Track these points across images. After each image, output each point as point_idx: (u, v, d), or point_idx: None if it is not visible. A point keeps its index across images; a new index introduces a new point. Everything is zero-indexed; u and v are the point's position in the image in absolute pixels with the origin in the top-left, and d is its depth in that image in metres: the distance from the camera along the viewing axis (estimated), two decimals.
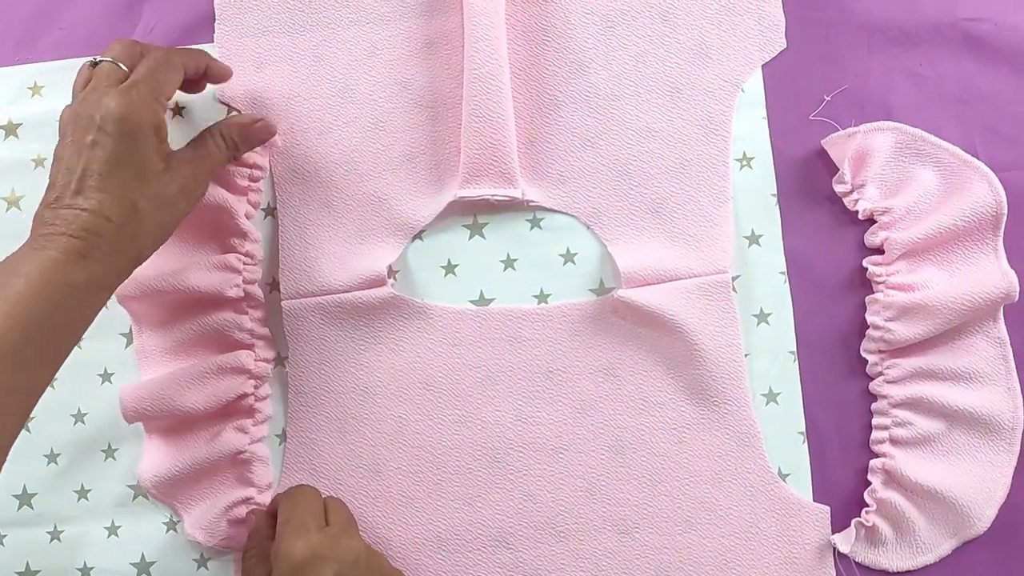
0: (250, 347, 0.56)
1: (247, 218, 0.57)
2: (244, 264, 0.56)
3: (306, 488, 0.53)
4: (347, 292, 0.56)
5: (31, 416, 0.55)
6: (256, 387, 0.56)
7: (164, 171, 0.49)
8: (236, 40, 0.59)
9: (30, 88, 0.60)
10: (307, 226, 0.57)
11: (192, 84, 0.55)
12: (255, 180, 0.57)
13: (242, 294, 0.56)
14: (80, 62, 0.59)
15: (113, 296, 0.55)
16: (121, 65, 0.50)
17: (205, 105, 0.59)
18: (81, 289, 0.45)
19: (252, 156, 0.57)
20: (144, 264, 0.56)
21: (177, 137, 0.58)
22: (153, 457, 0.56)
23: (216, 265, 0.55)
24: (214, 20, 0.59)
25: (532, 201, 0.57)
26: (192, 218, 0.56)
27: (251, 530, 0.53)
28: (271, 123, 0.56)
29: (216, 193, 0.56)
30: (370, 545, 0.51)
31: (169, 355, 0.57)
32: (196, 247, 0.57)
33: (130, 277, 0.54)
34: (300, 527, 0.49)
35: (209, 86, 0.58)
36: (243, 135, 0.54)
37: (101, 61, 0.50)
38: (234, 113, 0.55)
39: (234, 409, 0.56)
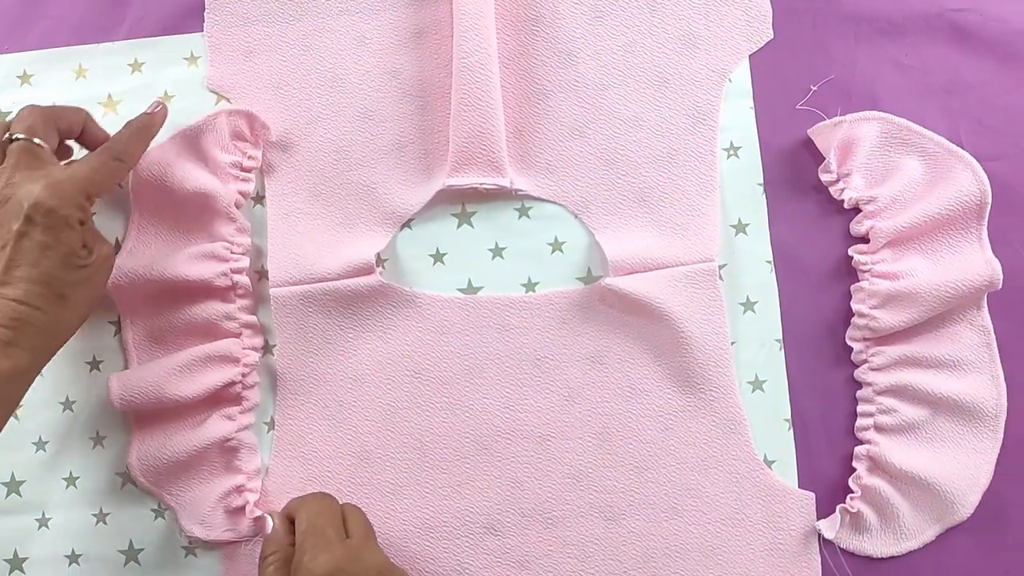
0: (238, 335, 0.56)
1: (236, 207, 0.57)
2: (232, 253, 0.56)
3: (324, 496, 0.52)
4: (335, 280, 0.56)
5: (20, 404, 0.56)
6: (244, 375, 0.56)
7: (87, 255, 0.50)
8: (225, 29, 0.59)
9: (19, 76, 0.60)
10: (295, 215, 0.58)
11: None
12: (246, 170, 0.57)
13: (230, 283, 0.56)
14: (69, 51, 0.60)
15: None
16: (42, 144, 0.50)
17: (194, 92, 0.59)
18: (4, 377, 0.46)
19: (245, 146, 0.57)
20: (133, 253, 0.56)
21: (167, 127, 0.58)
22: (141, 446, 0.56)
23: (204, 254, 0.56)
24: (204, 8, 0.59)
25: (520, 190, 0.57)
26: (182, 207, 0.56)
27: (268, 536, 0.52)
28: (164, 107, 0.55)
29: (205, 182, 0.56)
30: (388, 558, 0.51)
31: (157, 344, 0.57)
32: (185, 236, 0.57)
33: (119, 266, 0.55)
34: (322, 539, 0.49)
35: (197, 73, 0.59)
36: (130, 147, 0.53)
37: (18, 137, 0.50)
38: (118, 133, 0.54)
39: (222, 397, 0.56)
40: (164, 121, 0.55)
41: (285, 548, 0.50)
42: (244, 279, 0.56)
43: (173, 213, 0.57)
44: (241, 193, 0.57)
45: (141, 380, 0.54)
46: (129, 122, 0.54)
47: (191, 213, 0.57)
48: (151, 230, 0.57)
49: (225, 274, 0.56)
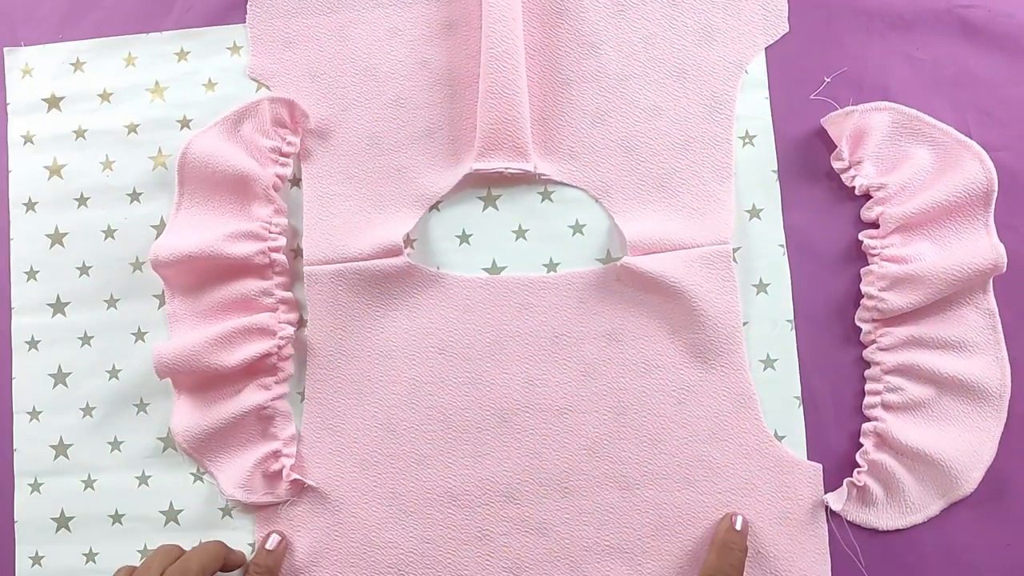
0: (274, 310, 0.59)
1: (275, 190, 0.60)
2: (270, 233, 0.59)
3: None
4: (366, 260, 0.59)
5: (67, 372, 0.59)
6: (279, 347, 0.58)
7: None
8: (267, 20, 0.62)
9: (72, 64, 0.63)
10: (329, 197, 0.61)
11: None
12: (285, 155, 0.60)
13: (267, 261, 0.59)
14: (119, 40, 0.63)
15: (147, 260, 0.58)
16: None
17: (236, 80, 0.62)
18: None
19: (284, 132, 0.60)
20: (176, 233, 0.59)
21: (207, 112, 0.62)
22: (183, 414, 0.59)
23: (243, 233, 0.59)
24: (246, 1, 0.63)
25: (544, 174, 0.60)
26: (223, 188, 0.60)
27: (266, 550, 0.56)
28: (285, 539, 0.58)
29: (246, 165, 0.59)
30: None
31: (198, 318, 0.60)
32: (226, 216, 0.60)
33: (163, 244, 0.58)
34: None
35: (239, 62, 0.62)
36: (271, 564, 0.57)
37: None
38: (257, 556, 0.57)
39: (258, 368, 0.59)
40: (284, 556, 0.58)
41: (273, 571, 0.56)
42: (281, 257, 0.59)
43: (215, 194, 0.60)
44: (279, 176, 0.60)
45: (182, 349, 0.57)
46: (254, 564, 0.56)
47: (232, 194, 0.60)
48: (194, 210, 0.61)
49: (263, 252, 0.58)
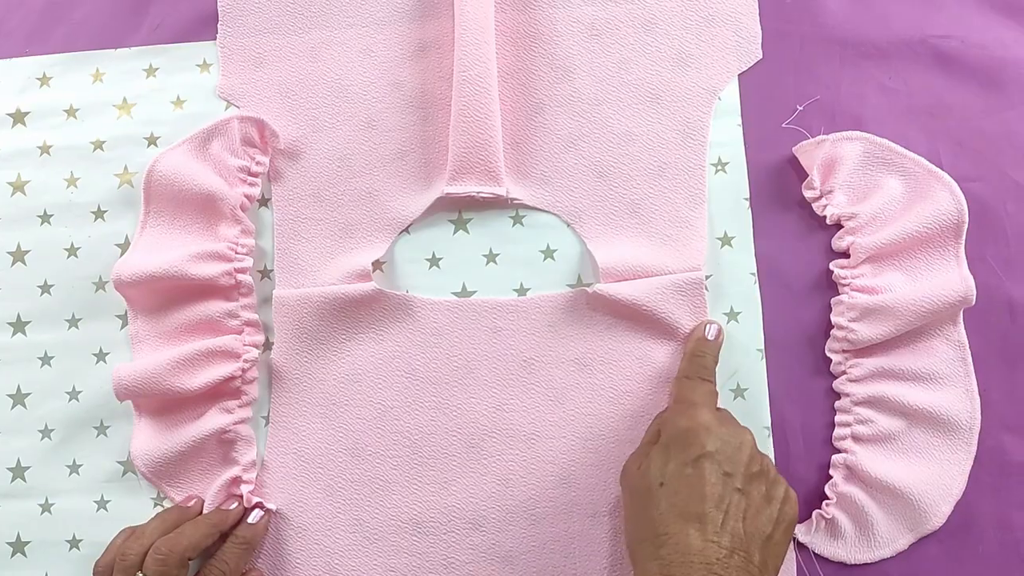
0: (239, 332, 0.58)
1: (242, 210, 0.59)
2: (236, 253, 0.58)
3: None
4: (334, 285, 0.58)
5: (26, 392, 0.58)
6: (244, 370, 0.57)
7: None
8: (238, 39, 0.62)
9: (39, 79, 0.63)
10: (299, 219, 0.60)
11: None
12: (254, 175, 0.59)
13: (233, 282, 0.58)
14: (87, 55, 0.63)
15: (110, 280, 0.57)
16: None
17: (205, 98, 0.61)
18: None
19: (253, 152, 0.60)
20: (141, 252, 0.58)
21: (174, 129, 0.61)
22: (143, 438, 0.58)
23: (209, 254, 0.58)
24: (216, 18, 0.62)
25: (516, 199, 0.59)
26: (190, 207, 0.59)
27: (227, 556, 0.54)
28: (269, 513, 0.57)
29: (213, 184, 0.58)
30: None
31: (162, 339, 0.59)
32: (192, 236, 0.59)
33: (127, 263, 0.57)
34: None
35: (209, 80, 0.61)
36: (236, 554, 0.55)
37: None
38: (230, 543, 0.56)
39: (222, 391, 0.58)
40: (267, 530, 0.57)
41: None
42: (247, 278, 0.58)
43: (181, 213, 0.59)
44: (247, 196, 0.59)
45: (143, 371, 0.56)
46: (234, 535, 0.55)
47: (199, 213, 0.59)
48: (160, 229, 0.60)
49: (229, 273, 0.58)
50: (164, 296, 0.58)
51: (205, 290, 0.58)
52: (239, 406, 0.58)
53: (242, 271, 0.58)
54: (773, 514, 0.48)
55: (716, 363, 0.55)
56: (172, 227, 0.60)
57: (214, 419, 0.57)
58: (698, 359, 0.54)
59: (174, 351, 0.57)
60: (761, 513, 0.48)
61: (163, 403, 0.58)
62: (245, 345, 0.58)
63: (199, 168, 0.59)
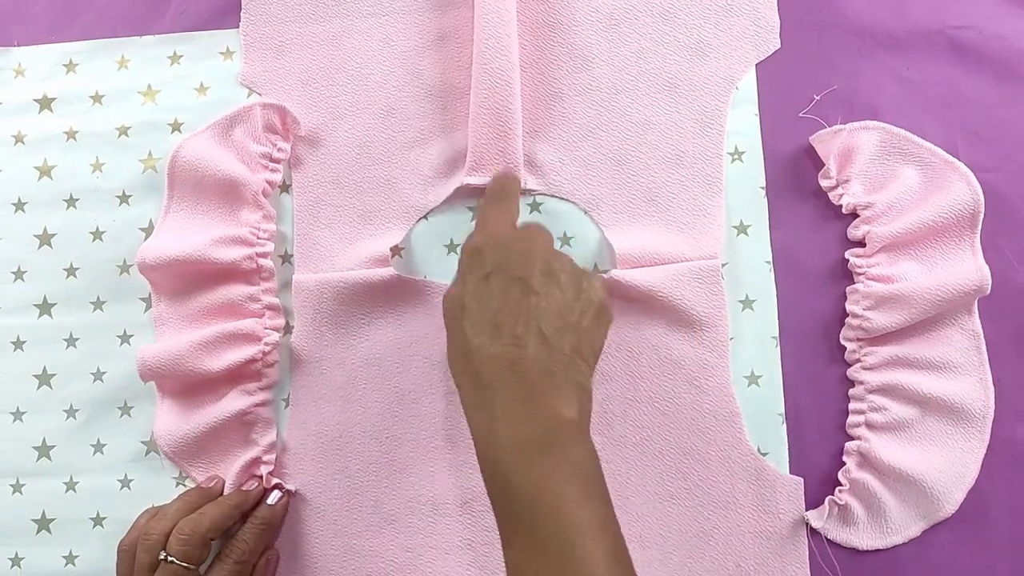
0: (260, 315, 0.59)
1: (264, 196, 0.60)
2: (258, 238, 0.59)
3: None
4: (353, 270, 0.59)
5: (52, 373, 0.59)
6: (264, 353, 0.58)
7: None
8: (260, 27, 0.63)
9: (65, 65, 0.64)
10: (319, 205, 0.61)
11: None
12: (275, 161, 0.60)
13: (255, 266, 0.59)
14: (112, 42, 0.63)
15: (134, 263, 0.58)
16: (193, 568, 0.53)
17: (228, 85, 0.62)
18: None
19: (275, 139, 0.60)
20: (164, 236, 0.59)
21: (198, 116, 0.62)
22: (165, 418, 0.59)
23: (232, 238, 0.59)
24: (239, 6, 0.63)
25: (534, 190, 0.60)
26: (213, 193, 0.60)
27: (243, 545, 0.55)
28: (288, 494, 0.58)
29: (236, 170, 0.59)
30: None
31: (184, 322, 0.60)
32: (214, 220, 0.60)
33: (151, 247, 0.58)
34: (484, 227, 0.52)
35: (232, 67, 0.62)
36: (255, 535, 0.56)
37: (172, 560, 0.53)
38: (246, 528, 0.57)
39: (242, 373, 0.59)
40: (286, 511, 0.58)
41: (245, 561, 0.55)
42: (268, 263, 0.59)
43: (204, 198, 0.60)
44: (268, 182, 0.60)
45: (166, 353, 0.57)
46: (253, 516, 0.56)
47: (221, 199, 0.60)
48: (183, 214, 0.61)
49: (251, 258, 0.59)
50: (187, 280, 0.59)
51: (227, 274, 0.59)
52: (260, 388, 0.58)
53: (263, 255, 0.59)
54: (576, 305, 0.48)
55: (516, 189, 0.55)
56: (195, 212, 0.61)
57: (235, 401, 0.58)
58: (494, 187, 0.54)
59: (196, 334, 0.58)
60: (565, 307, 0.47)
61: (185, 385, 0.59)
62: (266, 328, 0.59)
63: (222, 154, 0.60)
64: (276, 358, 0.59)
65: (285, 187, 0.61)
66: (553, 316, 0.46)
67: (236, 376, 0.59)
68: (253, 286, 0.59)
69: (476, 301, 0.47)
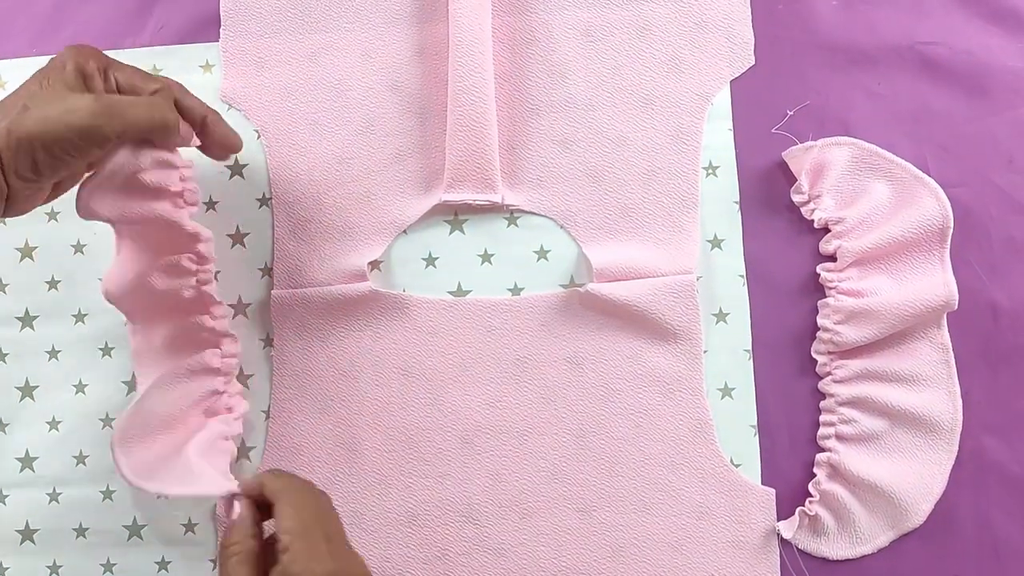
0: (216, 345, 0.58)
1: (191, 217, 0.55)
2: (197, 266, 0.56)
3: (314, 491, 0.50)
4: (330, 286, 0.60)
5: (35, 385, 0.59)
6: (226, 383, 0.58)
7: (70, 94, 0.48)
8: (240, 42, 0.63)
9: None
10: (298, 221, 0.61)
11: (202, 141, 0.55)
12: (185, 179, 0.55)
13: (195, 295, 0.56)
14: None
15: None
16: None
17: (208, 99, 0.61)
18: None
19: (169, 156, 0.54)
20: (120, 265, 0.55)
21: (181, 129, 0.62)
22: (138, 467, 0.54)
23: (168, 268, 0.55)
24: (219, 20, 0.63)
25: (511, 205, 0.60)
26: (146, 230, 0.55)
27: (234, 523, 0.49)
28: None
29: (156, 208, 0.54)
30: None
31: (155, 353, 0.57)
32: (156, 252, 0.56)
33: (111, 278, 0.54)
34: (313, 546, 0.46)
35: (212, 80, 0.62)
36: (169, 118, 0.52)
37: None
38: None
39: (211, 408, 0.58)
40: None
41: (249, 540, 0.48)
42: (211, 291, 0.56)
43: (142, 233, 0.56)
44: (188, 203, 0.55)
45: (136, 423, 0.54)
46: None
47: (157, 234, 0.55)
48: (131, 246, 0.56)
49: (192, 287, 0.56)
50: (148, 310, 0.57)
51: (177, 304, 0.57)
52: (234, 419, 0.58)
53: (205, 283, 0.56)
54: None
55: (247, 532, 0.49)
56: (139, 244, 0.56)
57: (211, 429, 0.57)
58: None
59: (155, 387, 0.55)
60: None
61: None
62: (223, 358, 0.58)
63: (141, 201, 0.54)
64: (239, 388, 0.59)
65: (264, 200, 0.62)
66: None
67: (207, 411, 0.58)
68: (201, 315, 0.57)
69: None
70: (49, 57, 0.63)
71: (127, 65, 0.53)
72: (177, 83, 0.55)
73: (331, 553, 0.47)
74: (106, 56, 0.52)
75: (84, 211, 0.52)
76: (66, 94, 0.49)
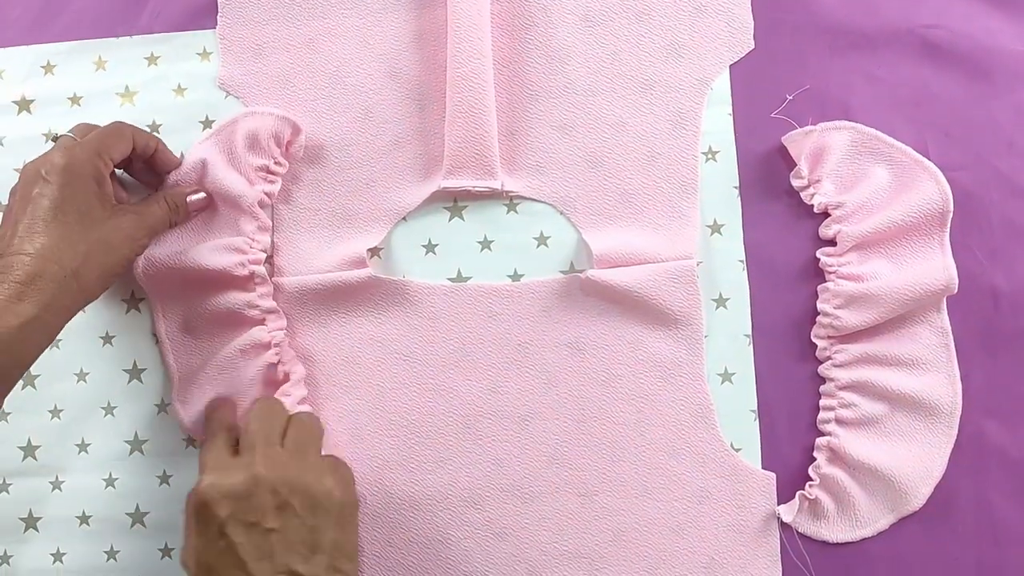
0: (261, 321, 0.59)
1: (260, 206, 0.59)
2: (251, 248, 0.59)
3: (273, 405, 0.55)
4: (330, 272, 0.60)
5: (36, 374, 0.60)
6: (278, 355, 0.59)
7: (108, 218, 0.53)
8: (237, 29, 0.63)
9: (43, 67, 0.64)
10: (297, 208, 0.61)
11: (146, 165, 0.59)
12: (273, 173, 0.60)
13: (247, 273, 0.58)
14: (90, 44, 0.64)
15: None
16: (76, 138, 0.54)
17: (205, 86, 0.62)
18: (16, 331, 0.48)
19: (277, 152, 0.60)
20: (163, 244, 0.59)
21: (176, 117, 0.62)
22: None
23: (225, 246, 0.59)
24: (216, 7, 0.63)
25: (511, 191, 0.60)
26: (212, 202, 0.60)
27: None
28: (210, 197, 0.59)
29: (234, 183, 0.59)
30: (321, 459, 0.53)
31: (188, 333, 0.60)
32: (211, 230, 0.60)
33: (149, 256, 0.58)
34: (206, 468, 0.51)
35: (209, 68, 0.62)
36: (184, 203, 0.58)
37: (61, 136, 0.55)
38: (179, 186, 0.59)
39: (270, 379, 0.59)
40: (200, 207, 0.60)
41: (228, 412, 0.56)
42: (261, 269, 0.59)
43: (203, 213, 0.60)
44: (267, 194, 0.60)
45: (201, 403, 0.59)
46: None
47: (218, 210, 0.60)
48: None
49: (243, 264, 0.58)
50: (185, 289, 0.59)
51: (222, 281, 0.59)
52: (292, 387, 0.59)
53: (256, 262, 0.59)
54: (319, 522, 0.50)
55: (227, 418, 0.56)
56: (195, 222, 0.60)
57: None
58: (208, 420, 0.57)
59: (213, 369, 0.58)
60: (307, 532, 0.49)
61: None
62: (271, 331, 0.59)
63: (222, 164, 0.59)
64: (291, 355, 0.60)
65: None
66: (299, 547, 0.48)
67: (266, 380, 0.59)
68: (249, 292, 0.59)
69: (216, 561, 0.48)
70: (45, 45, 0.64)
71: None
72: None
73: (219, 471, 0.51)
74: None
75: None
76: None
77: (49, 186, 0.51)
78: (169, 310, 0.60)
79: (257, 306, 0.59)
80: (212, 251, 0.58)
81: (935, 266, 0.56)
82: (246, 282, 0.59)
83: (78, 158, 0.52)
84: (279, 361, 0.59)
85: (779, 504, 0.57)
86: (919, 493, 0.56)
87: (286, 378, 0.59)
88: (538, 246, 0.60)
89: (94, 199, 0.53)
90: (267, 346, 0.59)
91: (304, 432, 0.54)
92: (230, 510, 0.48)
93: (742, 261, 0.59)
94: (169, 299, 0.60)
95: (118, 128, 0.56)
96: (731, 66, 0.61)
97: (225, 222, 0.60)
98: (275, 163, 0.60)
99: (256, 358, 0.58)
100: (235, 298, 0.59)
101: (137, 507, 0.60)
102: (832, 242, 0.58)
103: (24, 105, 0.64)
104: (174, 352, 0.60)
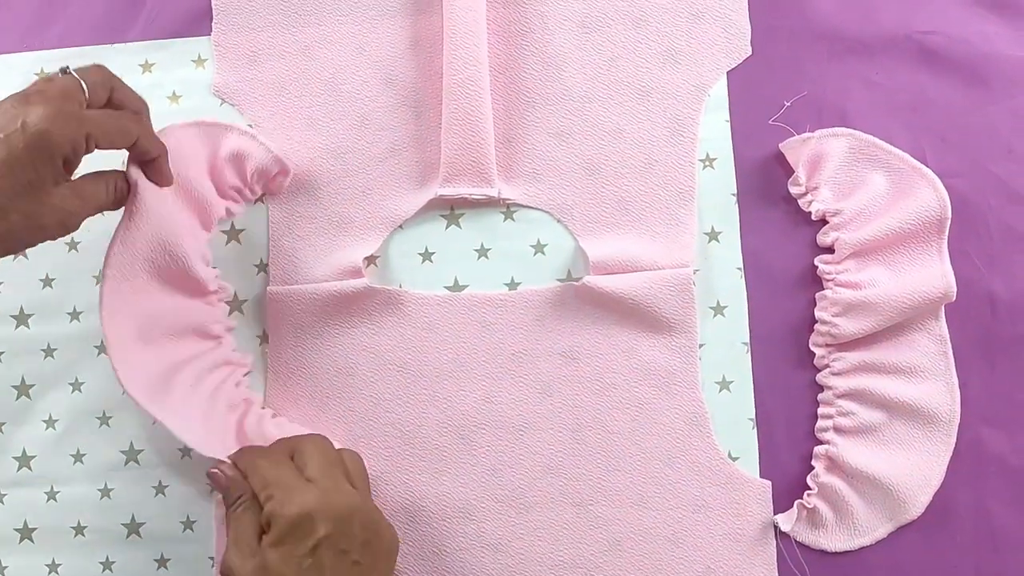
0: (219, 338, 0.58)
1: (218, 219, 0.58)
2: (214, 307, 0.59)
3: (325, 441, 0.54)
4: (326, 282, 0.59)
5: (30, 384, 0.59)
6: (245, 375, 0.59)
7: (49, 194, 0.48)
8: (231, 34, 0.62)
9: (37, 74, 0.63)
10: (293, 216, 0.61)
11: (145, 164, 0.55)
12: (243, 198, 0.59)
13: (215, 287, 0.58)
14: (84, 51, 0.63)
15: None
16: (83, 84, 0.49)
17: (200, 93, 0.62)
18: None
19: (251, 183, 0.59)
20: (125, 241, 0.55)
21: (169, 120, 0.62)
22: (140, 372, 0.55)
23: (204, 257, 0.57)
24: (211, 14, 0.62)
25: (507, 199, 0.60)
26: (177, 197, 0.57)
27: (232, 482, 0.52)
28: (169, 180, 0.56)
29: (205, 187, 0.57)
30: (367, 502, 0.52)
31: (141, 343, 0.56)
32: (192, 232, 0.58)
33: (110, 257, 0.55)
34: (293, 484, 0.49)
35: (204, 75, 0.62)
36: (127, 190, 0.54)
37: (69, 71, 0.49)
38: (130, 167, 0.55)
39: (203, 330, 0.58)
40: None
41: (249, 489, 0.51)
42: (227, 286, 0.59)
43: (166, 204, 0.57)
44: (228, 211, 0.58)
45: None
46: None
47: (185, 203, 0.57)
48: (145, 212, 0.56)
49: (218, 276, 0.58)
50: (144, 294, 0.56)
51: (189, 290, 0.57)
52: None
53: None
54: (384, 570, 0.51)
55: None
56: (156, 215, 0.56)
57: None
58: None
59: (176, 388, 0.56)
60: (373, 569, 0.50)
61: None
62: (233, 351, 0.59)
63: (201, 160, 0.58)
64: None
65: (260, 196, 0.61)
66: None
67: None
68: (214, 307, 0.58)
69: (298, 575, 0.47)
70: (40, 52, 0.63)
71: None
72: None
73: (316, 490, 0.49)
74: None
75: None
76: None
77: (10, 142, 0.46)
78: (121, 315, 0.55)
79: (221, 322, 0.58)
80: (199, 260, 0.57)
81: (933, 273, 0.56)
82: (212, 296, 0.59)
83: (60, 131, 0.46)
84: (242, 382, 0.59)
85: (777, 513, 0.57)
86: (918, 501, 0.56)
87: (228, 332, 0.59)
88: (535, 254, 0.60)
89: (48, 174, 0.47)
90: (231, 364, 0.58)
91: (363, 471, 0.54)
92: (329, 531, 0.48)
93: (740, 268, 0.59)
94: (125, 304, 0.56)
95: (124, 126, 0.51)
96: (728, 72, 0.60)
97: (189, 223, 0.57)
98: (249, 191, 0.59)
99: (217, 373, 0.58)
100: (198, 310, 0.58)
101: (132, 517, 0.60)
102: (830, 249, 0.58)
103: None
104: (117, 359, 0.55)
